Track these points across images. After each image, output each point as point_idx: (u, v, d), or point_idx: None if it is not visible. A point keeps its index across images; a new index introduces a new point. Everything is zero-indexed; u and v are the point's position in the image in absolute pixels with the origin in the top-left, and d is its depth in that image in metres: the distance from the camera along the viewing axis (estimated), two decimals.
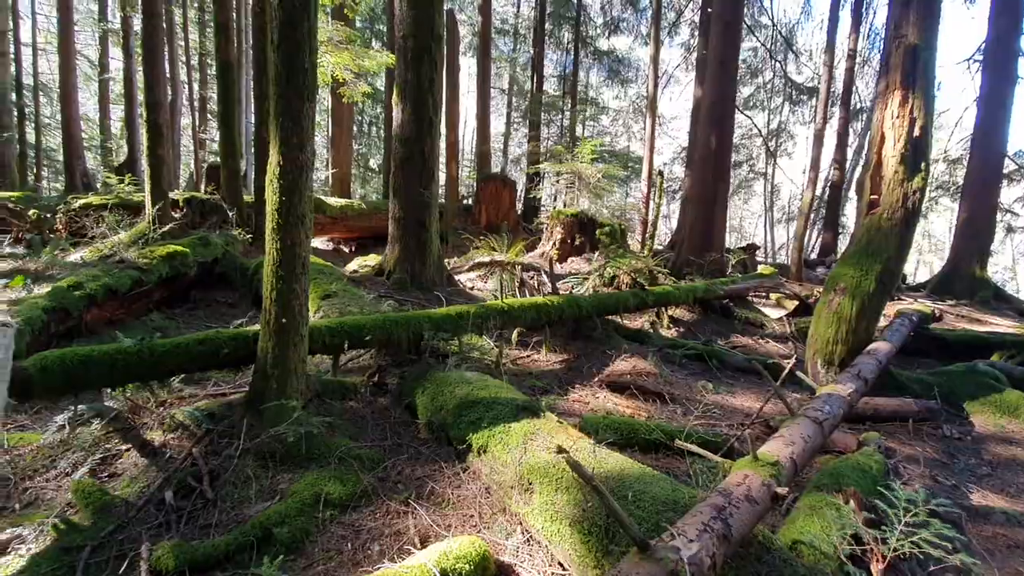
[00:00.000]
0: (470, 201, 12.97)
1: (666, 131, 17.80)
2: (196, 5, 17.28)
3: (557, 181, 11.74)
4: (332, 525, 2.13)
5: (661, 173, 9.44)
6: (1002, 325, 8.25)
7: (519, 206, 13.29)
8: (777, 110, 16.92)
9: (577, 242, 8.46)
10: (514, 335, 4.84)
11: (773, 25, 15.24)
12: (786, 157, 18.12)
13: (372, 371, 3.47)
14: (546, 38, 15.55)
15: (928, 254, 19.39)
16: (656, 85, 9.53)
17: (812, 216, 14.27)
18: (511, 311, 4.41)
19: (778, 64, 15.24)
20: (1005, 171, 12.26)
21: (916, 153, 3.99)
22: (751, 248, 10.27)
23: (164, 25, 8.22)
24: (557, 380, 4.28)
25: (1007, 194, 13.33)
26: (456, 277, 7.51)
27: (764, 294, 8.76)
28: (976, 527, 2.66)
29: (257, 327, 2.76)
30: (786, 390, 4.54)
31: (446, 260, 8.77)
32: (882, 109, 4.19)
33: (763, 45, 15.49)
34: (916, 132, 4.00)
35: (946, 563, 1.88)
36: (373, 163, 18.89)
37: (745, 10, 15.82)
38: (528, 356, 4.77)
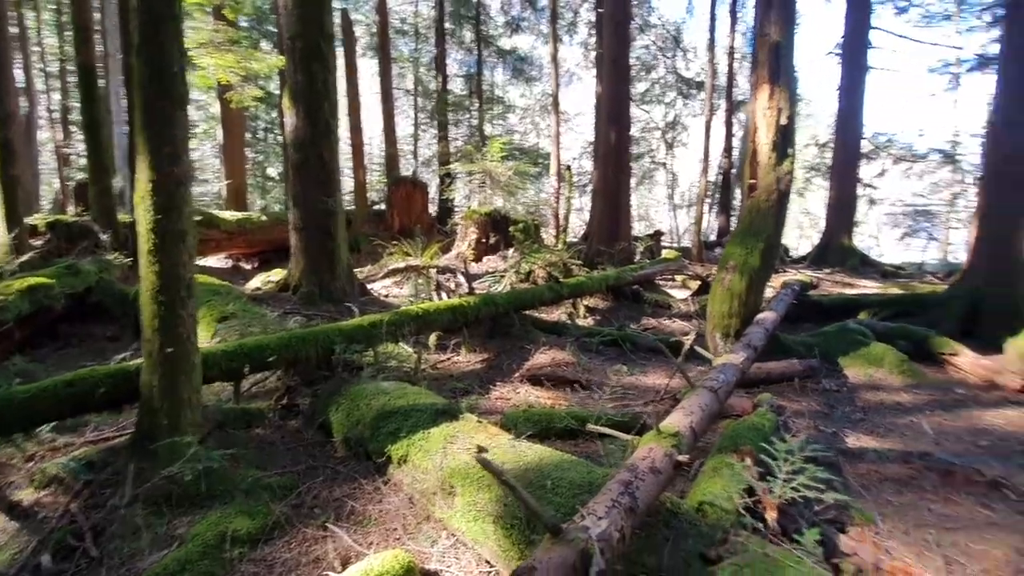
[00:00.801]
0: (383, 206, 12.65)
1: (572, 127, 18.44)
2: (52, 6, 15.35)
3: (470, 181, 11.75)
4: (242, 564, 1.99)
5: (569, 168, 9.78)
6: (868, 287, 9.41)
7: (433, 208, 13.16)
8: (671, 104, 18.12)
9: (492, 240, 8.53)
10: (432, 339, 4.79)
11: (662, 25, 16.25)
12: (683, 147, 19.50)
13: (280, 393, 3.29)
14: (448, 37, 15.49)
15: (808, 229, 21.69)
16: (557, 83, 9.84)
17: (708, 201, 15.44)
18: (427, 315, 4.36)
19: (668, 61, 16.32)
20: (864, 151, 13.97)
21: (784, 140, 4.44)
22: (657, 235, 10.91)
23: (13, 28, 7.21)
24: (479, 380, 4.29)
25: (867, 171, 15.20)
26: (370, 286, 7.29)
27: (671, 277, 9.36)
28: (853, 467, 3.02)
29: (141, 360, 2.51)
30: (691, 364, 4.89)
31: (360, 269, 8.48)
32: (754, 101, 4.61)
33: (654, 43, 16.48)
34: (783, 121, 4.44)
35: (826, 502, 2.13)
36: (272, 171, 17.83)
37: (636, 10, 16.73)
38: (448, 359, 4.74)
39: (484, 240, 8.57)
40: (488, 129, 17.20)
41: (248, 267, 9.71)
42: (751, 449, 2.71)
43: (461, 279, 7.21)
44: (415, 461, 2.37)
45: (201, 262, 9.24)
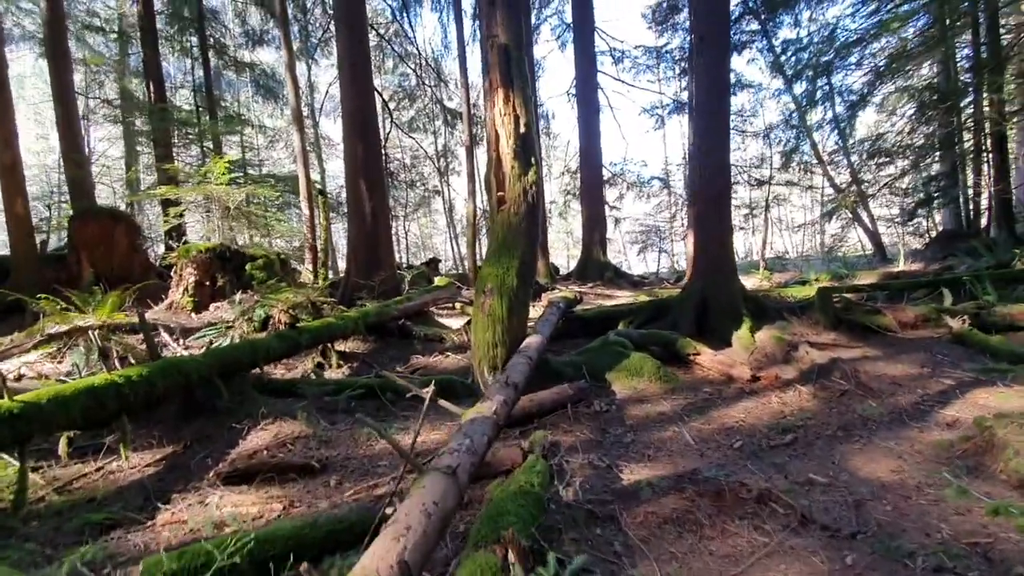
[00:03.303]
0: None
1: (336, 153, 17.06)
2: None
3: (208, 212, 9.46)
4: None
5: (322, 192, 8.51)
6: (623, 296, 10.35)
7: (152, 249, 10.29)
8: (440, 132, 18.26)
9: (220, 283, 6.69)
10: (62, 444, 3.06)
11: (420, 54, 16.21)
12: (456, 175, 19.86)
13: None
14: (165, 41, 12.70)
15: (574, 249, 24.23)
16: (297, 95, 8.56)
17: (479, 224, 15.75)
18: (40, 410, 2.68)
19: (430, 90, 16.34)
20: (605, 178, 15.98)
21: (526, 149, 4.09)
22: (433, 262, 10.33)
23: None
24: (143, 496, 2.78)
25: (610, 194, 17.49)
26: (6, 364, 4.85)
27: (451, 305, 8.80)
28: (630, 513, 2.58)
29: None
30: (460, 406, 4.18)
31: (8, 337, 5.81)
32: (491, 108, 4.18)
33: (415, 72, 16.35)
34: (522, 129, 4.10)
35: None
36: None
37: (395, 39, 16.39)
38: (99, 468, 3.07)
39: (208, 284, 6.67)
40: (234, 153, 14.65)
41: None
42: (515, 536, 1.98)
43: (167, 338, 5.33)
44: None
45: None
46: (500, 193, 4.05)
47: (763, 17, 14.50)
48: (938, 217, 16.41)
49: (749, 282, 10.23)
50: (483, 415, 2.34)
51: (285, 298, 5.67)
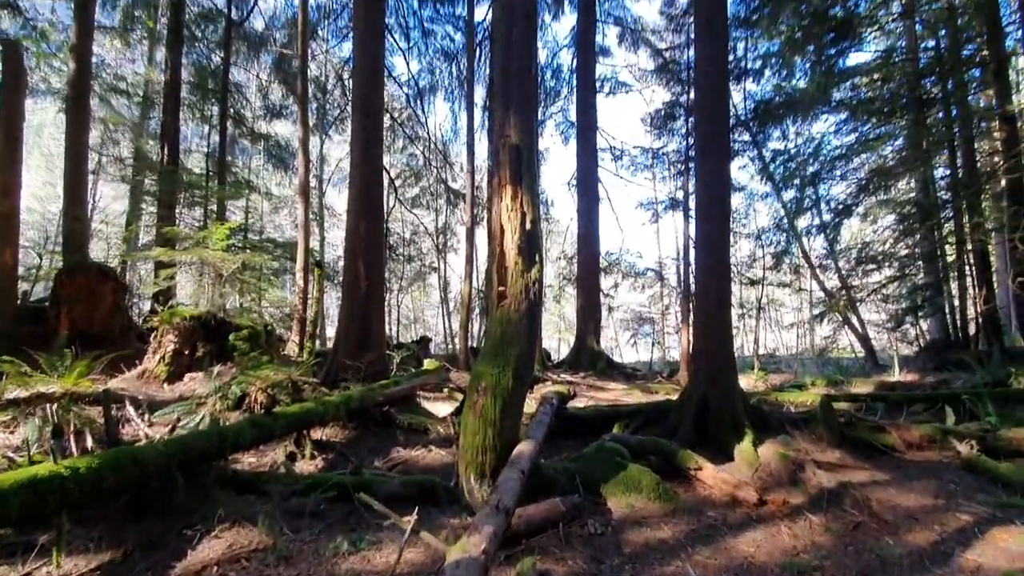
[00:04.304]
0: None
1: (338, 223, 17.33)
2: None
3: (200, 276, 9.33)
4: None
5: (319, 264, 8.45)
6: (617, 389, 10.06)
7: (137, 306, 10.02)
8: (440, 211, 18.74)
9: (200, 352, 6.40)
10: None
11: (429, 138, 17.02)
12: (454, 253, 20.14)
13: None
14: (186, 108, 13.24)
15: (566, 332, 24.11)
16: (307, 168, 8.76)
17: (474, 306, 15.72)
18: None
19: (437, 171, 16.98)
20: (602, 266, 16.22)
21: (531, 245, 4.05)
22: (424, 340, 10.10)
23: None
24: None
25: (605, 283, 17.68)
26: None
27: (439, 388, 8.45)
28: None
29: None
30: (442, 515, 3.79)
31: None
32: (498, 203, 4.19)
33: (423, 153, 17.07)
34: (528, 225, 4.08)
35: None
36: None
37: (407, 123, 17.27)
38: (27, 575, 2.65)
39: (187, 352, 6.37)
40: (237, 217, 14.81)
41: None
42: None
43: (131, 412, 4.98)
44: None
45: None
46: (501, 288, 3.95)
47: (754, 129, 15.49)
48: (926, 325, 16.61)
49: (744, 382, 10.04)
50: (470, 556, 2.05)
51: (265, 375, 5.38)
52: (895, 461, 5.53)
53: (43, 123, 23.08)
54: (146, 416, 5.04)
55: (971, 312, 12.99)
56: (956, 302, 13.40)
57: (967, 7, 12.74)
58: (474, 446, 3.70)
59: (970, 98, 13.90)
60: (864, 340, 15.48)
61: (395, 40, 14.68)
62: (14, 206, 7.81)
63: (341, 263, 13.36)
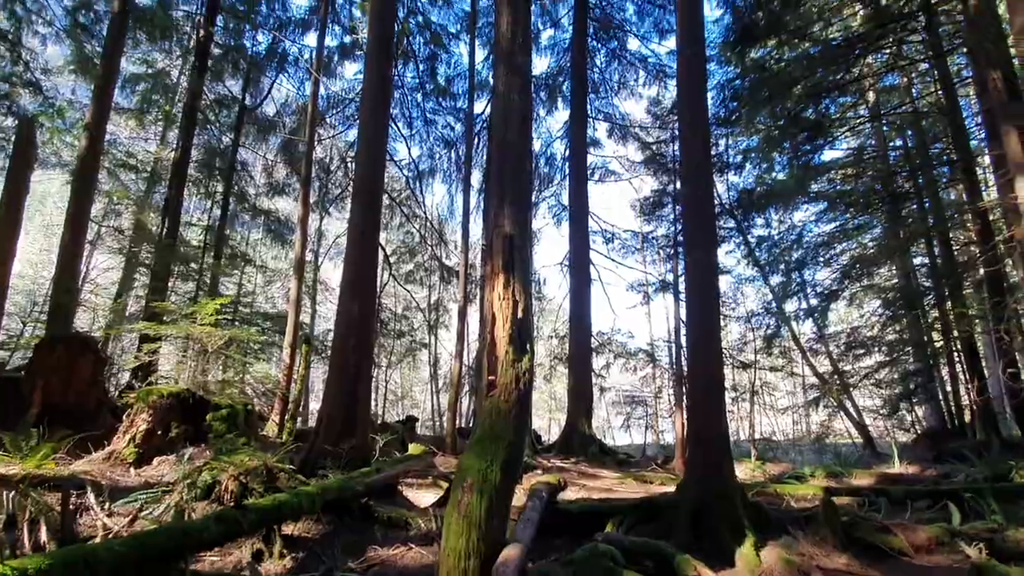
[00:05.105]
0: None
1: (331, 297, 17.39)
2: None
3: (185, 348, 9.15)
4: None
5: (308, 340, 8.33)
6: (609, 477, 9.61)
7: (116, 378, 9.72)
8: (435, 287, 18.92)
9: (174, 432, 6.10)
10: None
11: (426, 217, 17.56)
12: (445, 329, 20.06)
13: None
14: (191, 184, 13.68)
15: (556, 412, 23.52)
16: (304, 245, 8.91)
17: (463, 385, 15.40)
18: None
19: (432, 248, 17.35)
20: (593, 346, 16.14)
21: (522, 334, 4.03)
22: (410, 421, 9.78)
23: None
24: None
25: (597, 363, 17.52)
26: None
27: (425, 476, 8.03)
28: None
29: None
30: None
31: None
32: (490, 291, 4.23)
33: (419, 231, 17.53)
34: (520, 314, 4.09)
35: None
36: None
37: (405, 202, 17.88)
38: None
39: (160, 432, 6.07)
40: (230, 290, 14.83)
41: None
42: None
43: (91, 500, 4.66)
44: None
45: None
46: (491, 377, 3.88)
47: (739, 216, 16.15)
48: (922, 411, 16.40)
49: (741, 470, 9.68)
50: None
51: (239, 460, 5.11)
52: (904, 566, 5.23)
53: (47, 192, 23.60)
54: (107, 504, 4.70)
55: (965, 398, 12.90)
56: (949, 387, 13.34)
57: (931, 110, 13.84)
58: (456, 550, 3.45)
59: (943, 193, 14.72)
60: (861, 427, 15.18)
61: (398, 127, 15.57)
62: (4, 278, 7.78)
63: (331, 336, 13.23)
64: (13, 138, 9.48)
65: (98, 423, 7.82)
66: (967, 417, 12.72)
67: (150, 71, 15.08)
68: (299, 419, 9.04)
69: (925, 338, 13.92)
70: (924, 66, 13.50)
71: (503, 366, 3.83)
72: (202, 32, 13.46)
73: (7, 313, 10.15)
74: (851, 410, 15.30)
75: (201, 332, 7.00)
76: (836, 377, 15.10)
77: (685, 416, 9.19)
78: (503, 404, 3.74)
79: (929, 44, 12.16)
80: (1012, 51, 8.56)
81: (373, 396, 16.87)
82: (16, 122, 10.47)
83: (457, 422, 11.29)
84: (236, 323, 12.00)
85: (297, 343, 7.98)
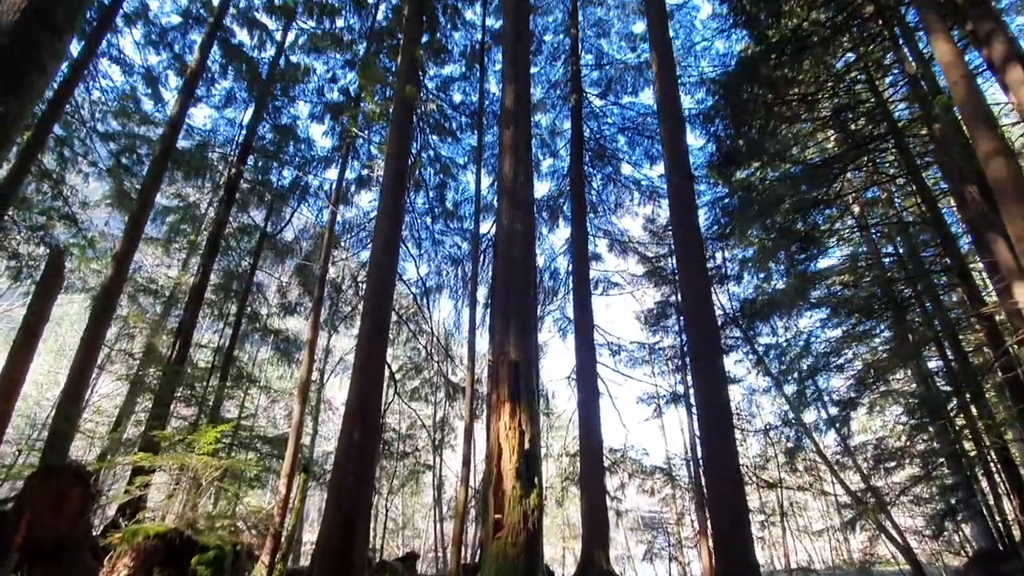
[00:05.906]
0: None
1: (336, 417, 16.96)
2: None
3: (177, 480, 8.75)
4: None
5: (307, 468, 7.96)
6: None
7: (101, 512, 9.18)
8: (440, 404, 18.51)
9: None
10: None
11: (433, 333, 17.73)
12: (450, 449, 19.23)
13: None
14: (206, 306, 14.11)
15: (571, 540, 21.58)
16: (311, 368, 8.92)
17: (469, 512, 14.38)
18: None
19: (437, 364, 17.28)
20: (606, 464, 15.26)
21: (529, 467, 3.87)
22: (411, 558, 9.00)
23: None
24: None
25: (611, 483, 16.44)
26: None
27: None
28: None
29: None
30: None
31: None
32: (496, 420, 4.15)
33: (425, 348, 17.59)
34: (527, 445, 3.97)
35: None
36: None
37: (412, 318, 18.20)
38: None
39: None
40: (232, 413, 14.58)
41: None
42: None
43: None
44: None
45: None
46: (497, 516, 3.65)
47: (743, 325, 16.19)
48: (968, 529, 14.94)
49: None
50: None
51: None
52: None
53: (65, 314, 24.25)
54: None
55: (1010, 513, 11.81)
56: (991, 501, 12.28)
57: (916, 220, 14.45)
58: None
59: (944, 295, 14.82)
60: (906, 551, 13.74)
61: (407, 248, 16.38)
62: (9, 409, 7.74)
63: (331, 460, 12.66)
64: (42, 266, 9.98)
65: (76, 565, 7.27)
66: (1016, 533, 11.56)
67: (180, 204, 16.35)
68: (291, 556, 8.31)
69: (957, 448, 13.12)
70: (902, 180, 14.35)
71: (510, 503, 3.63)
72: (233, 170, 14.81)
73: (5, 441, 9.94)
74: (892, 532, 13.96)
75: (197, 462, 6.74)
76: (870, 494, 14.01)
77: (711, 542, 8.41)
78: (510, 548, 3.48)
79: (903, 162, 13.04)
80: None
81: (372, 525, 15.70)
82: (47, 251, 11.09)
83: (463, 552, 10.37)
84: (234, 447, 11.60)
85: (295, 471, 7.62)
